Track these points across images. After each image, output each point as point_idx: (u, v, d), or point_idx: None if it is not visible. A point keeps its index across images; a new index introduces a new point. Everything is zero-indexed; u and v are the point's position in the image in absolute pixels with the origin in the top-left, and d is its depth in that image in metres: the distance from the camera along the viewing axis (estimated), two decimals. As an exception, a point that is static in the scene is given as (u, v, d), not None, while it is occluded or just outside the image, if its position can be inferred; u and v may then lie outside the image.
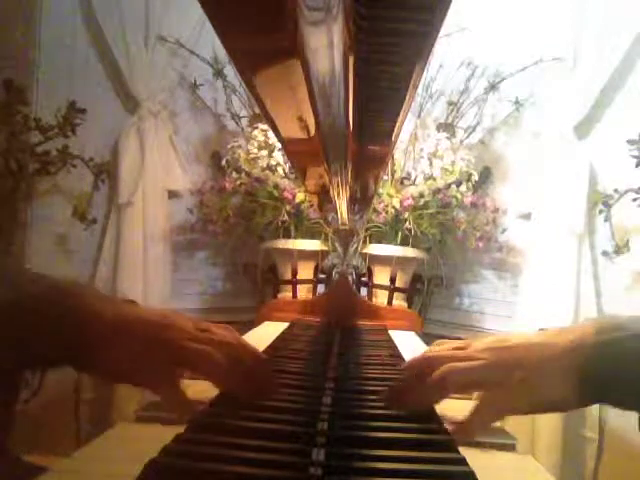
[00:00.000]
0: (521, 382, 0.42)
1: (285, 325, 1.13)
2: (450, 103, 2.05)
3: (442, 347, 0.52)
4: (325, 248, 1.86)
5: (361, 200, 0.93)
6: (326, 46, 0.34)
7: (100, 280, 2.00)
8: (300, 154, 0.58)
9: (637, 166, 1.76)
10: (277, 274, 1.99)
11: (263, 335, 0.96)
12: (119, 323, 0.45)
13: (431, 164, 1.88)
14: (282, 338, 0.94)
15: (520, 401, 0.42)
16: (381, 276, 1.91)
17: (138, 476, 0.32)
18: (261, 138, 1.91)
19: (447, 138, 1.93)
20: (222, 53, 1.96)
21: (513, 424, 0.65)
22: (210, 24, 0.28)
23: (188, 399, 0.44)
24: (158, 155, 2.05)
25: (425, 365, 0.47)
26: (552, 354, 0.43)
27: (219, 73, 2.06)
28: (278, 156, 1.88)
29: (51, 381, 1.52)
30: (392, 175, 1.91)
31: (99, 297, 0.48)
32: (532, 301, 1.94)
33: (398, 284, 1.89)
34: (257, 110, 1.92)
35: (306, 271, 1.92)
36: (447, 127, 2.01)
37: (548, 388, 0.42)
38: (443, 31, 0.35)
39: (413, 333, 1.19)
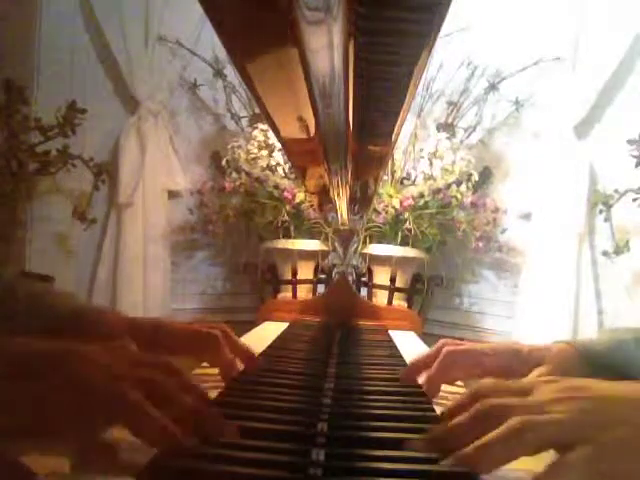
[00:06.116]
0: (617, 442, 0.34)
1: (285, 325, 1.13)
2: (450, 103, 2.05)
3: (495, 385, 0.42)
4: (325, 248, 1.86)
5: (361, 200, 0.93)
6: (326, 46, 0.34)
7: (100, 280, 2.00)
8: (300, 154, 0.58)
9: (637, 166, 1.76)
10: (277, 274, 1.99)
11: (263, 335, 0.96)
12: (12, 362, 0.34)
13: (431, 164, 1.88)
14: (282, 338, 0.94)
15: (619, 464, 0.33)
16: (381, 276, 1.91)
17: (138, 476, 0.32)
18: (261, 138, 1.91)
19: (447, 138, 1.93)
20: (222, 53, 1.96)
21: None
22: (210, 24, 0.28)
23: (111, 451, 0.33)
24: (158, 155, 2.05)
25: (487, 412, 0.37)
26: None
27: (219, 73, 2.06)
28: (278, 156, 1.88)
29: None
30: (392, 175, 1.91)
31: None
32: (532, 301, 1.94)
33: (398, 284, 1.89)
34: (257, 110, 1.92)
35: (306, 271, 1.92)
36: (447, 127, 2.01)
37: None
38: (443, 31, 0.35)
39: (413, 333, 1.18)
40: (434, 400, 0.58)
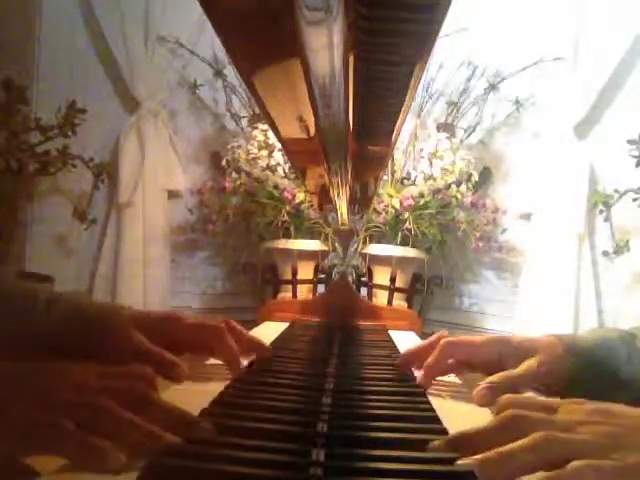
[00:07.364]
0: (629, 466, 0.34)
1: (285, 325, 1.13)
2: (450, 103, 2.05)
3: (522, 398, 0.44)
4: (325, 248, 1.86)
5: (361, 200, 0.93)
6: (326, 46, 0.34)
7: (100, 280, 2.00)
8: (300, 154, 0.58)
9: (637, 166, 1.76)
10: (277, 274, 1.99)
11: (263, 335, 0.96)
12: None
13: (431, 164, 1.88)
14: (282, 338, 0.94)
15: None
16: (381, 276, 1.91)
17: (138, 476, 0.32)
18: (261, 138, 1.91)
19: (447, 138, 1.93)
20: (222, 53, 1.96)
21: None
22: (210, 24, 0.28)
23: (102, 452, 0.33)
24: (158, 155, 2.05)
25: (513, 422, 0.39)
26: None
27: (219, 73, 2.06)
28: (278, 156, 1.88)
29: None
30: (392, 175, 1.91)
31: None
32: (532, 301, 1.94)
33: (398, 284, 1.89)
34: (257, 110, 1.92)
35: (306, 271, 1.92)
36: (447, 127, 2.01)
37: None
38: (443, 31, 0.35)
39: (413, 333, 1.18)
40: (427, 390, 0.60)
